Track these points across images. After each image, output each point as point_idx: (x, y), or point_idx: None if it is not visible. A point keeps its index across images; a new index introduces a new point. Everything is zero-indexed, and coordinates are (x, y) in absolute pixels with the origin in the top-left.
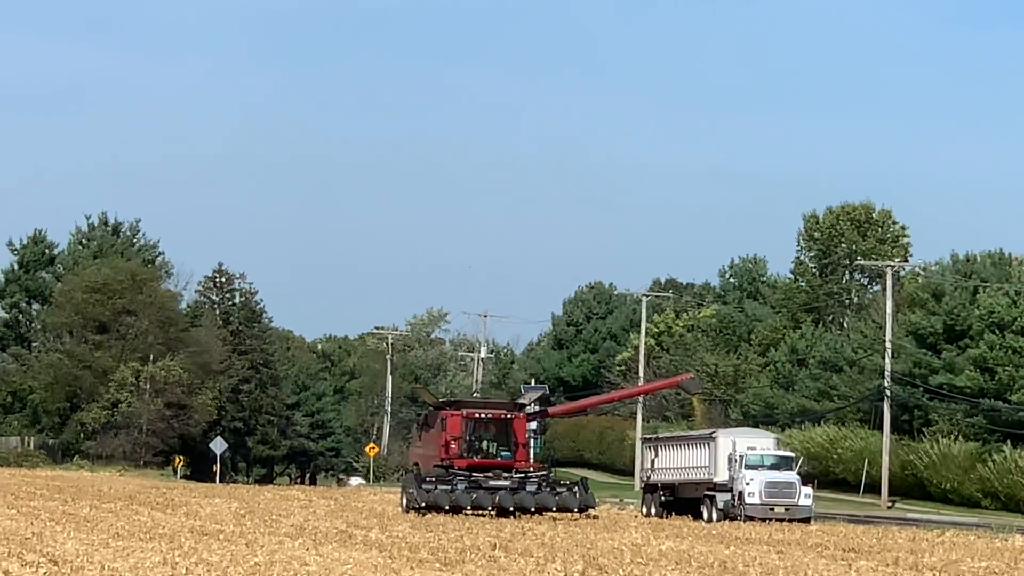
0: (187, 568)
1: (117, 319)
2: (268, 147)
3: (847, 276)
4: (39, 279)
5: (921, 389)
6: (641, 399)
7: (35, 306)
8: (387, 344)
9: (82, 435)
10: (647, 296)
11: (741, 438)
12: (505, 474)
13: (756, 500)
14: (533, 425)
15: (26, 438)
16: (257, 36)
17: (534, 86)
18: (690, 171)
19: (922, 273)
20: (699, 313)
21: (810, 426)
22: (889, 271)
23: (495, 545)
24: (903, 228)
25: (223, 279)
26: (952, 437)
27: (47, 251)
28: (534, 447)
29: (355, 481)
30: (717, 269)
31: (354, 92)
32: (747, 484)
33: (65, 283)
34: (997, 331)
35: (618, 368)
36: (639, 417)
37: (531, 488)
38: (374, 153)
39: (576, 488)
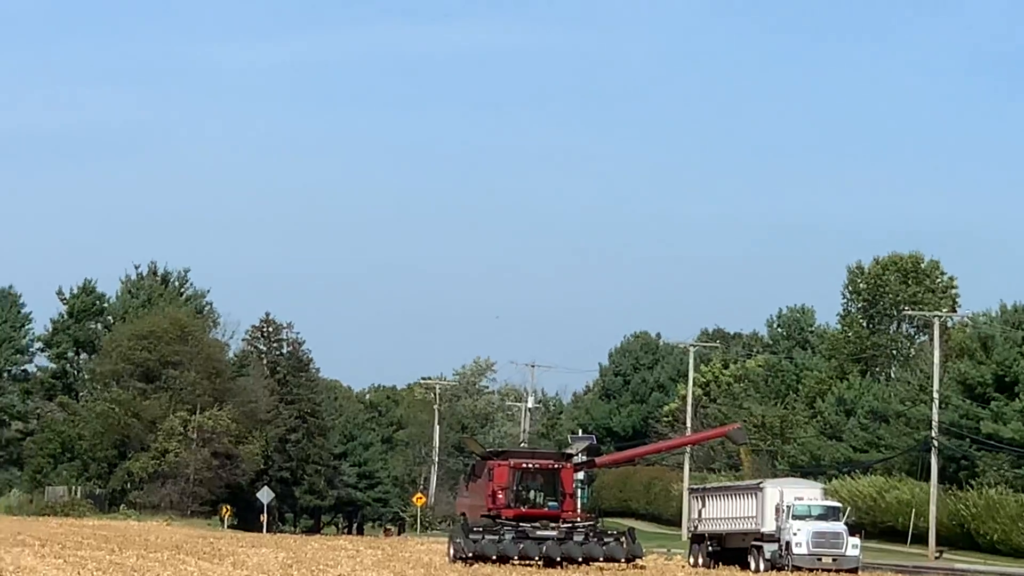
0: None
1: (164, 368)
2: (316, 196)
3: (894, 326)
4: (88, 329)
5: (967, 440)
6: (688, 449)
7: (83, 356)
8: (434, 394)
9: (129, 484)
10: (694, 346)
11: (788, 488)
12: (552, 524)
13: (803, 550)
14: (580, 475)
15: (73, 487)
16: (307, 85)
17: (582, 139)
18: (737, 221)
19: (970, 323)
20: (747, 363)
21: (858, 476)
22: (937, 321)
23: None
24: (951, 279)
25: (270, 329)
26: (1000, 487)
27: (96, 301)
28: (581, 497)
29: None
30: (764, 319)
31: (401, 141)
32: (794, 534)
33: (113, 331)
34: None
35: (665, 419)
36: (686, 467)
37: (578, 538)
38: (422, 202)
39: (623, 538)
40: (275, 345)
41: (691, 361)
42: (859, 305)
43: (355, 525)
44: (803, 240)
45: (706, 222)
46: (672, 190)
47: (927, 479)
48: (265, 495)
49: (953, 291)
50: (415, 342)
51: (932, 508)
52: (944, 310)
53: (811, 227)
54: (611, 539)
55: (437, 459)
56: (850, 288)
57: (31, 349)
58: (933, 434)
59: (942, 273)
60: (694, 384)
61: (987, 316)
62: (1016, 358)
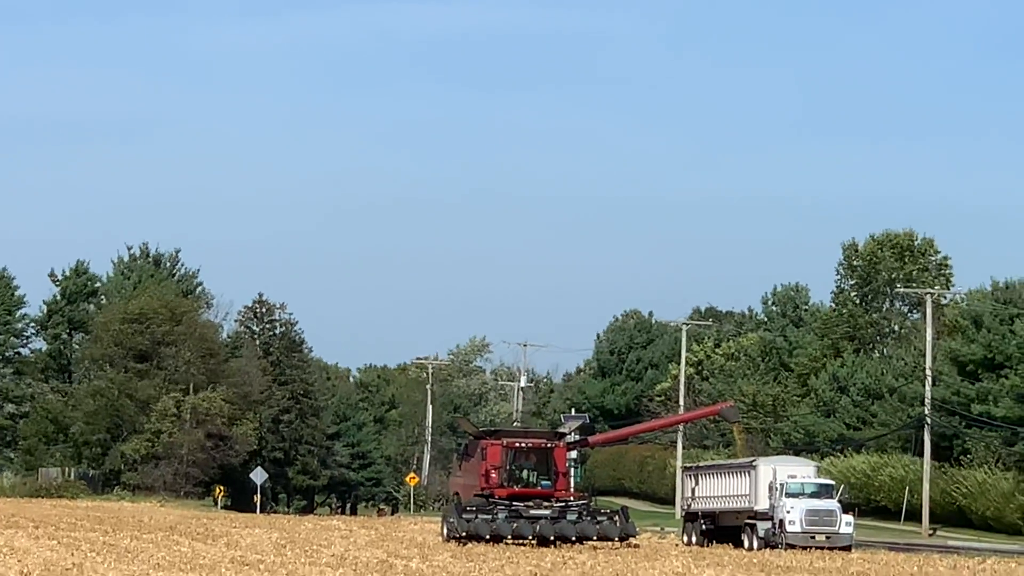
0: None
1: (157, 350)
2: (307, 177)
3: (888, 304)
4: (81, 310)
5: (959, 418)
6: (681, 428)
7: (77, 337)
8: (427, 374)
9: (123, 466)
10: (687, 325)
11: (782, 466)
12: (545, 503)
13: (797, 528)
14: (573, 454)
15: (67, 469)
16: (301, 66)
17: (574, 119)
18: (731, 200)
19: (963, 300)
20: (740, 340)
21: (851, 454)
22: (929, 298)
23: (536, 574)
24: (945, 257)
25: (263, 309)
26: (991, 465)
27: (89, 282)
28: (574, 476)
29: None
30: (759, 297)
31: (392, 123)
32: (788, 512)
33: (104, 313)
34: None
35: (658, 397)
36: (679, 446)
37: (572, 517)
38: (414, 183)
39: (617, 517)
40: (268, 326)
41: (683, 340)
42: (853, 282)
43: (348, 505)
44: (798, 217)
45: (700, 200)
46: (665, 169)
47: (920, 456)
48: (258, 476)
49: (947, 269)
50: (408, 323)
51: (925, 486)
52: (937, 287)
53: (806, 204)
54: (604, 518)
55: (430, 439)
56: (845, 265)
57: (26, 332)
58: (926, 411)
59: (936, 251)
60: (687, 363)
61: (980, 293)
62: (1006, 335)
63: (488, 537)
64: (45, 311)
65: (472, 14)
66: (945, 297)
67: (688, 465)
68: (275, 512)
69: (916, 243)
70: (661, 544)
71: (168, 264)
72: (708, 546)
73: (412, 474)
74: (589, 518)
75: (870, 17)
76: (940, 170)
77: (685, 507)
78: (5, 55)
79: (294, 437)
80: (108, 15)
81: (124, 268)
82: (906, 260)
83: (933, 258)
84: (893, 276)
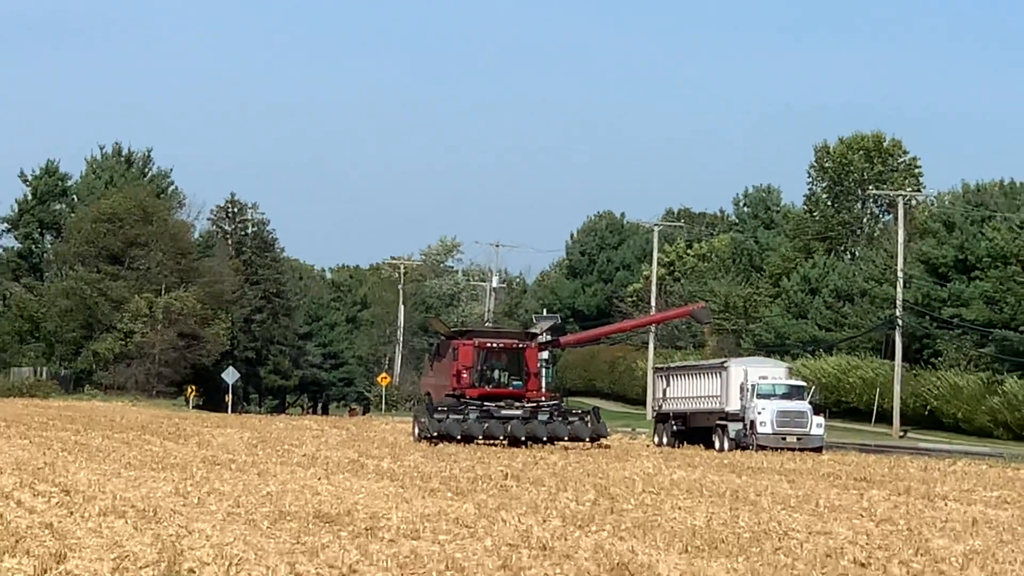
0: (199, 498)
1: (128, 250)
2: (282, 79)
3: (860, 205)
4: (52, 211)
5: (930, 319)
6: (653, 329)
7: (48, 237)
8: (399, 274)
9: (95, 365)
10: (659, 226)
11: (753, 367)
12: (517, 403)
13: (768, 429)
14: (545, 354)
15: (39, 368)
16: None
17: (548, 25)
18: (704, 102)
19: (934, 202)
20: (712, 242)
21: (822, 355)
22: (901, 200)
23: (507, 474)
24: (914, 158)
25: (236, 209)
26: (962, 367)
27: (60, 182)
28: (546, 376)
29: None
30: (731, 198)
31: (367, 26)
32: (759, 413)
33: (76, 212)
34: (1002, 263)
35: (630, 298)
36: (651, 347)
37: (543, 417)
38: (387, 85)
39: (588, 417)
40: (240, 225)
41: (655, 241)
42: (824, 184)
43: (320, 405)
44: (771, 121)
45: (673, 102)
46: (640, 72)
47: (891, 358)
48: (230, 375)
49: (916, 169)
50: (380, 223)
51: (896, 388)
52: (909, 189)
53: (779, 108)
54: (576, 418)
55: (402, 339)
56: (816, 167)
57: None
58: (897, 313)
59: (904, 152)
60: (659, 264)
61: (952, 195)
62: (976, 236)
63: (459, 437)
64: (16, 210)
65: None
66: (917, 199)
67: (659, 366)
68: (247, 412)
69: (884, 145)
70: (632, 445)
71: (140, 163)
72: (679, 447)
73: (384, 374)
74: (561, 419)
75: None
76: (911, 74)
77: (656, 408)
78: None
79: (266, 337)
80: None
81: (96, 168)
82: (875, 161)
83: (902, 159)
84: (864, 177)
